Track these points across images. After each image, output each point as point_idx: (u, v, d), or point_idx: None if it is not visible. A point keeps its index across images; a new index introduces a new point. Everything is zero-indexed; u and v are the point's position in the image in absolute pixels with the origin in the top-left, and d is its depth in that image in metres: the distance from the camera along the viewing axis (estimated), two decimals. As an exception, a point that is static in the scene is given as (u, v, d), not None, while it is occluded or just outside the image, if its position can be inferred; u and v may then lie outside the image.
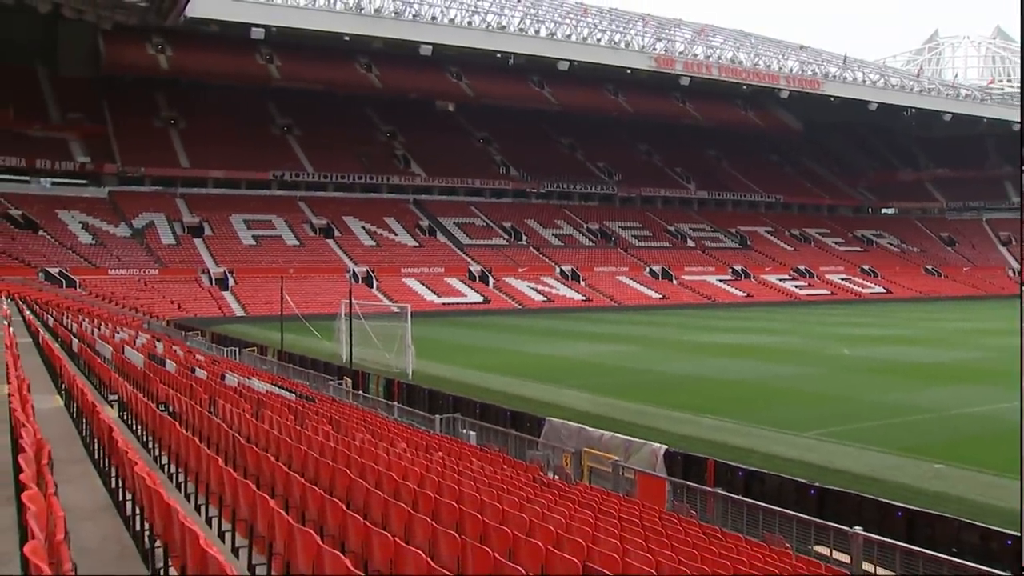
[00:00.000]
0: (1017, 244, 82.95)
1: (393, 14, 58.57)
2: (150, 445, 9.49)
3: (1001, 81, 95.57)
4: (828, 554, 10.55)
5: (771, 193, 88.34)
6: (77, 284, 49.58)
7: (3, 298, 33.76)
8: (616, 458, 15.21)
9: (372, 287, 57.20)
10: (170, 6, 43.73)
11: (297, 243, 62.65)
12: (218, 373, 18.60)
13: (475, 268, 63.74)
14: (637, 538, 7.83)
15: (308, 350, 31.64)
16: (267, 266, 57.39)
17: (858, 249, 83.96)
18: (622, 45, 67.39)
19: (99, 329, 25.59)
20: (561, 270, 66.59)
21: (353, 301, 31.05)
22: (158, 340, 26.28)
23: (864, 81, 77.23)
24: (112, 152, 62.97)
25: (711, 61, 70.77)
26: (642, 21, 67.96)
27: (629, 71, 70.95)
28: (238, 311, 51.49)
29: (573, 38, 65.56)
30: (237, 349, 32.52)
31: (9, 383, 9.84)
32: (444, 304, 57.11)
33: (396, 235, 66.75)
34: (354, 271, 57.92)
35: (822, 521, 11.05)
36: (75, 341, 19.18)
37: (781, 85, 73.26)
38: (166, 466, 8.56)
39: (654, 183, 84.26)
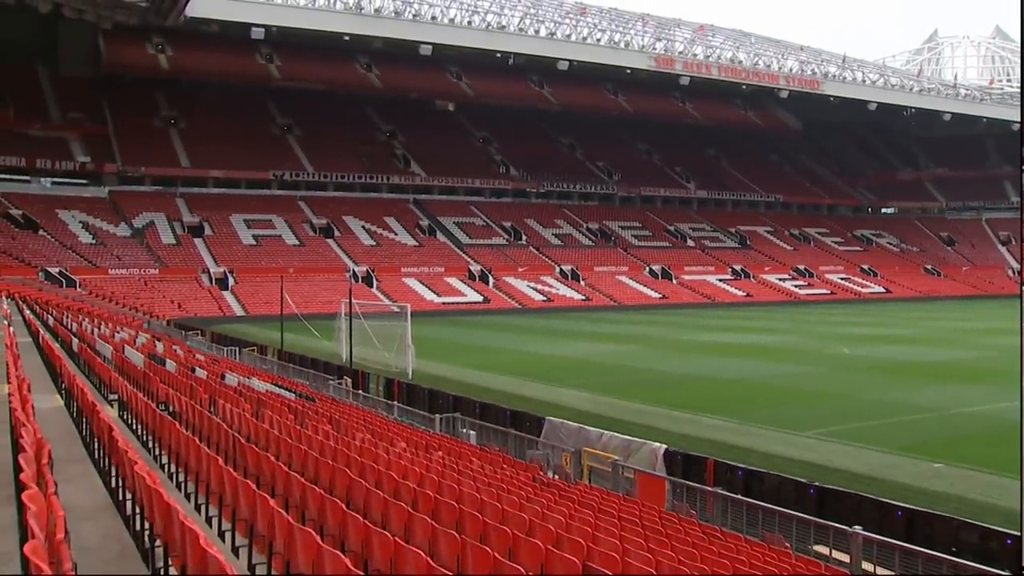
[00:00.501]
0: (1017, 244, 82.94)
1: (393, 14, 58.58)
2: (150, 445, 9.50)
3: (1001, 81, 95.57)
4: (828, 553, 10.55)
5: (771, 193, 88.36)
6: (77, 284, 49.59)
7: (3, 298, 33.76)
8: (616, 457, 15.22)
9: (372, 287, 57.20)
10: (170, 6, 43.73)
11: (297, 243, 62.66)
12: (218, 373, 18.61)
13: (475, 268, 63.75)
14: (637, 537, 7.84)
15: (308, 350, 31.65)
16: (267, 266, 57.40)
17: (858, 249, 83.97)
18: (622, 45, 67.39)
19: (99, 329, 25.60)
20: (561, 270, 66.60)
21: (353, 301, 31.05)
22: (158, 340, 26.29)
23: (864, 81, 77.23)
24: (112, 152, 62.98)
25: (711, 61, 70.78)
26: (642, 21, 67.98)
27: (629, 71, 70.95)
28: (238, 311, 51.51)
29: (573, 38, 65.56)
30: (237, 349, 32.53)
31: (9, 383, 9.85)
32: (444, 304, 57.12)
33: (396, 235, 66.77)
34: (354, 271, 57.94)
35: (822, 520, 11.06)
36: (75, 341, 19.18)
37: (781, 85, 73.28)
38: (166, 466, 8.57)
39: (654, 183, 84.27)
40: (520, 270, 65.16)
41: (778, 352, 33.26)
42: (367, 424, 14.87)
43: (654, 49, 68.69)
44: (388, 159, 75.16)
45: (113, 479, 7.12)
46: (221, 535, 6.41)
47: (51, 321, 26.66)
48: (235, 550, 6.11)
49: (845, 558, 10.40)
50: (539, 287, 62.83)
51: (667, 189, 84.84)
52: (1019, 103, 79.04)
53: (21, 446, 5.98)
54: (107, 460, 7.52)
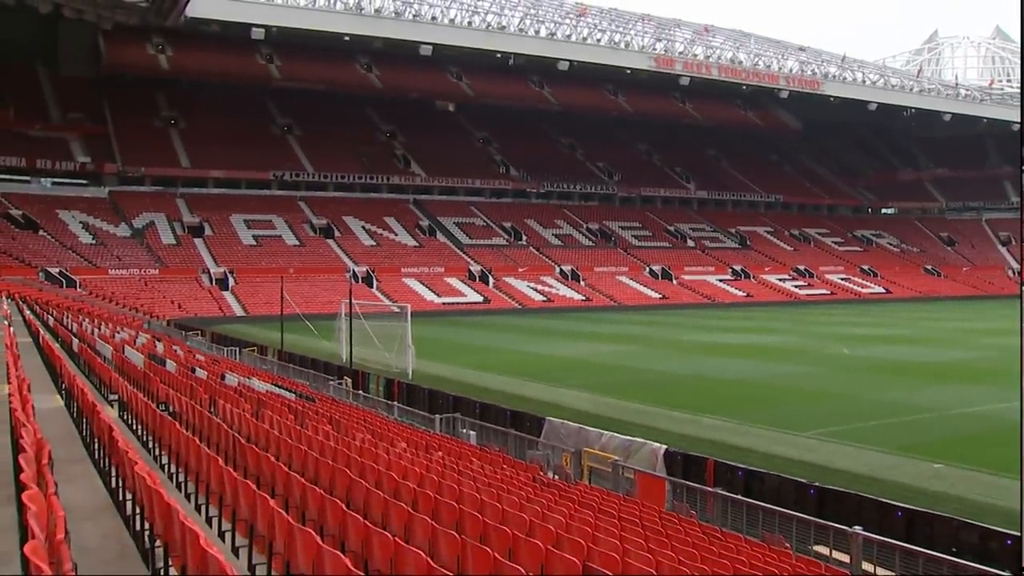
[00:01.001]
0: (1017, 244, 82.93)
1: (393, 14, 58.59)
2: (150, 445, 9.49)
3: (1001, 81, 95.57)
4: (828, 554, 10.55)
5: (771, 193, 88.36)
6: (77, 284, 49.58)
7: (3, 298, 33.75)
8: (616, 458, 15.22)
9: (372, 287, 57.21)
10: (170, 6, 43.78)
11: (297, 243, 62.66)
12: (218, 373, 18.60)
13: (475, 268, 63.75)
14: (637, 538, 7.84)
15: (308, 350, 31.65)
16: (267, 266, 57.40)
17: (858, 249, 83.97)
18: (622, 45, 67.41)
19: (99, 329, 25.60)
20: (561, 270, 66.61)
21: (353, 301, 31.05)
22: (158, 340, 26.28)
23: (864, 81, 77.25)
24: (112, 152, 62.99)
25: (711, 61, 70.78)
26: (642, 21, 67.98)
27: (629, 71, 70.95)
28: (238, 311, 51.51)
29: (573, 38, 65.58)
30: (237, 349, 32.52)
31: (9, 383, 9.85)
32: (444, 304, 57.12)
33: (396, 235, 66.78)
34: (354, 271, 57.93)
35: (822, 521, 11.06)
36: (75, 341, 19.18)
37: (781, 85, 73.27)
38: (166, 466, 8.57)
39: (654, 183, 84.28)
40: (520, 270, 65.16)
41: (778, 352, 33.26)
42: (367, 424, 14.87)
43: (654, 49, 68.69)
44: (388, 159, 75.17)
45: (113, 479, 7.12)
46: (221, 535, 6.41)
47: (51, 321, 26.66)
48: (235, 550, 6.11)
49: (845, 558, 10.40)
50: (539, 287, 62.83)
51: (667, 189, 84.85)
52: (1019, 103, 79.01)
53: (21, 446, 5.98)
54: (107, 460, 7.52)
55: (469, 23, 61.31)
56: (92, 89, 65.80)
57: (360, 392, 23.75)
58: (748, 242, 79.79)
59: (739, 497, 12.46)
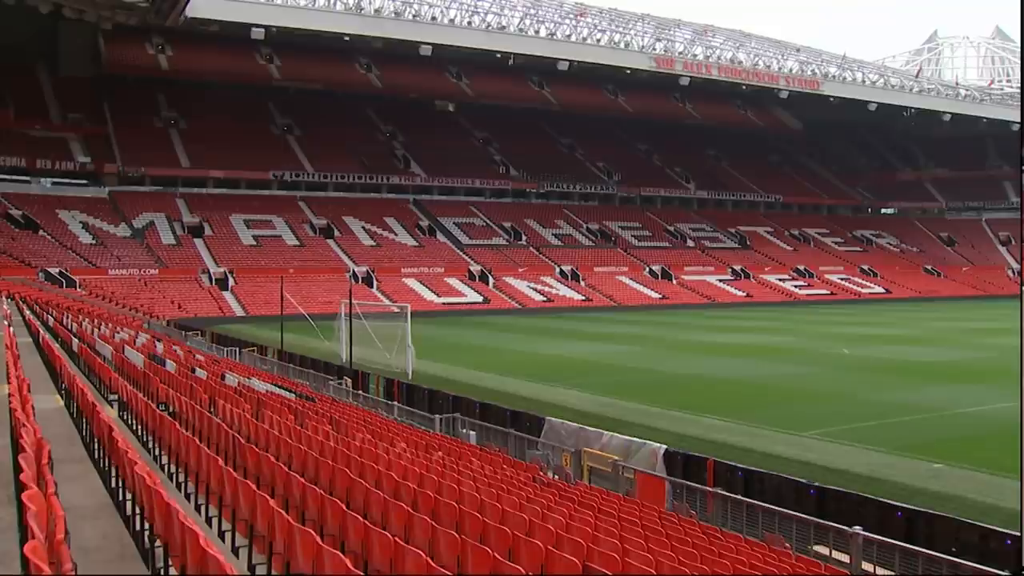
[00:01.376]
0: (1017, 244, 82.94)
1: (393, 14, 58.54)
2: (150, 445, 9.49)
3: (1001, 81, 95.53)
4: (828, 554, 10.56)
5: (771, 193, 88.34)
6: (77, 284, 49.57)
7: (3, 298, 33.74)
8: (616, 458, 15.22)
9: (372, 287, 57.20)
10: (170, 6, 43.81)
11: (297, 243, 62.66)
12: (218, 373, 18.59)
13: (475, 268, 63.74)
14: (637, 538, 7.83)
15: (308, 350, 31.65)
16: (267, 266, 57.40)
17: (857, 249, 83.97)
18: (622, 45, 67.37)
19: (99, 329, 25.58)
20: (561, 270, 66.60)
21: (353, 301, 31.06)
22: (158, 340, 26.26)
23: (864, 81, 77.19)
24: (112, 152, 62.99)
25: (711, 61, 70.72)
26: (642, 21, 67.95)
27: (629, 71, 70.90)
28: (238, 311, 51.50)
29: (573, 38, 65.51)
30: (237, 349, 32.52)
31: (9, 383, 9.84)
32: (444, 304, 57.11)
33: (396, 235, 66.77)
34: (354, 271, 57.94)
35: (822, 521, 11.07)
36: (75, 341, 19.17)
37: (781, 85, 73.21)
38: (166, 466, 8.57)
39: (654, 183, 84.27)
40: (520, 270, 65.16)
41: (778, 352, 33.26)
42: (367, 424, 14.86)
43: (654, 49, 68.62)
44: (388, 159, 75.15)
45: (113, 479, 7.12)
46: (221, 535, 6.41)
47: (51, 321, 26.64)
48: (235, 550, 6.11)
49: (845, 558, 10.40)
50: (539, 287, 62.83)
51: (667, 189, 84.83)
52: (1019, 103, 79.08)
53: (21, 446, 5.98)
54: (107, 460, 7.52)
55: (469, 23, 61.26)
56: (92, 89, 65.79)
57: (360, 392, 23.75)
58: (748, 242, 79.79)
59: (739, 497, 12.46)
